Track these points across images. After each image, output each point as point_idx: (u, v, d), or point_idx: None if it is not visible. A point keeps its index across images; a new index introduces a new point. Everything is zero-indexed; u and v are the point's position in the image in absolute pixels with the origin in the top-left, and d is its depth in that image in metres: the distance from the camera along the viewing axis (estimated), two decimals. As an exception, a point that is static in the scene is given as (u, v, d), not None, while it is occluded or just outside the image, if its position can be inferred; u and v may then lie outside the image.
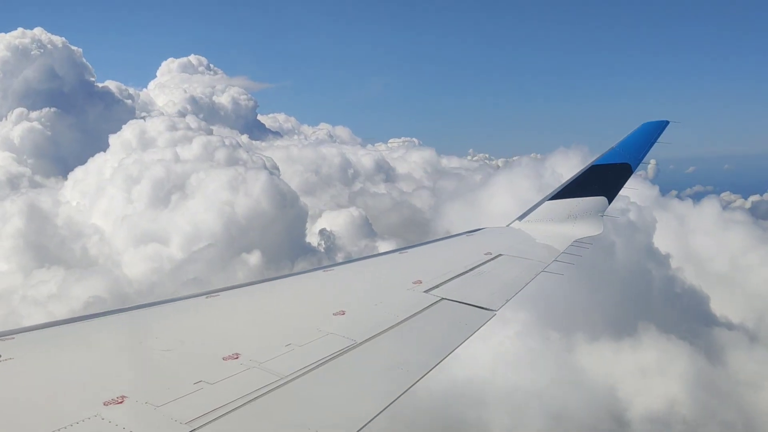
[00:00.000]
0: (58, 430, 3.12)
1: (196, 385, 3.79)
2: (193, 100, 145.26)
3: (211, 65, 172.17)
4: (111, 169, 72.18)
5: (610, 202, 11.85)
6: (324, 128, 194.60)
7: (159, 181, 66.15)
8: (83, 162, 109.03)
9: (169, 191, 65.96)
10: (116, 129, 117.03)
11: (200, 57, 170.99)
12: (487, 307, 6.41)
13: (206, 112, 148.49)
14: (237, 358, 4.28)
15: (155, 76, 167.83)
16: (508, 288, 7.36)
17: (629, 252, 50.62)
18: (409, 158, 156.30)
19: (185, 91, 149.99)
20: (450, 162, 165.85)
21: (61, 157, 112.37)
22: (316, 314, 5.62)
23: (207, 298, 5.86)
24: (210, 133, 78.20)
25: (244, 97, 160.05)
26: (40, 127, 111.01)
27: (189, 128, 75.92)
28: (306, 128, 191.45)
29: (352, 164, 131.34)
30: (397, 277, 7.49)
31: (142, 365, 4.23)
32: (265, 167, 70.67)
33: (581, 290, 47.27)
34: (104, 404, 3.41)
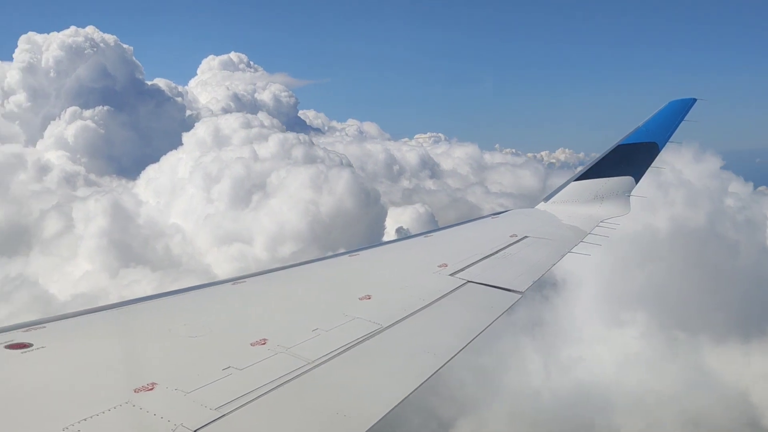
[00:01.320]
0: (90, 417, 3.11)
1: (224, 371, 3.83)
2: (236, 97, 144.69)
3: (251, 62, 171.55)
4: (186, 168, 71.66)
5: (637, 181, 11.68)
6: (353, 124, 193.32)
7: (239, 179, 65.48)
8: (137, 160, 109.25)
9: (250, 190, 65.29)
10: (168, 127, 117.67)
11: (240, 54, 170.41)
12: (514, 289, 6.41)
13: (249, 109, 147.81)
14: (264, 343, 4.30)
15: (195, 74, 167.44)
16: (534, 270, 7.35)
17: (747, 251, 49.10)
18: (453, 154, 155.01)
19: (228, 89, 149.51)
20: (493, 157, 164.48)
21: (114, 156, 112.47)
22: (342, 299, 5.63)
23: (233, 284, 5.90)
24: (283, 130, 77.49)
25: (285, 93, 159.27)
26: (93, 125, 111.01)
27: (263, 125, 75.16)
28: (335, 124, 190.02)
29: (397, 160, 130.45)
30: (422, 260, 7.45)
31: (172, 352, 4.20)
32: (342, 164, 69.77)
33: (702, 289, 45.91)
34: (135, 391, 3.45)
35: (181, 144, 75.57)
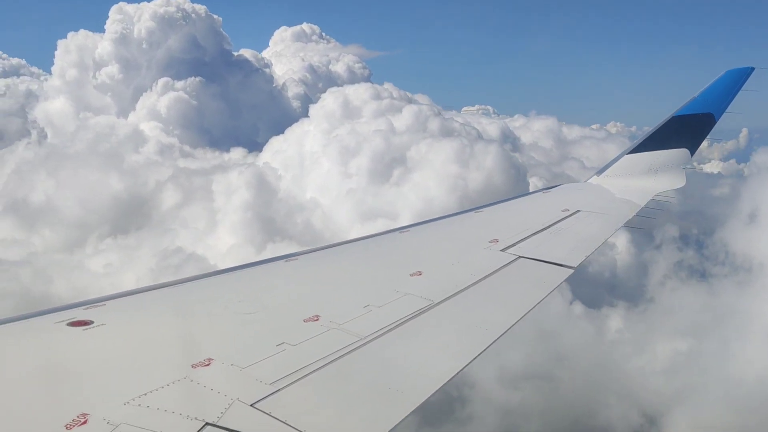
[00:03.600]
0: (150, 391, 3.18)
1: (278, 347, 3.89)
2: (312, 69, 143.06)
3: (324, 34, 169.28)
4: (314, 140, 70.36)
5: (692, 153, 11.53)
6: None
7: (378, 153, 63.94)
8: (228, 132, 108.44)
9: (390, 164, 63.76)
10: (256, 99, 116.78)
11: (312, 25, 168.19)
12: (566, 264, 6.33)
13: (324, 81, 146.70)
14: (317, 320, 4.36)
15: (267, 46, 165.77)
16: (586, 244, 7.26)
17: None
18: (532, 127, 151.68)
19: (303, 60, 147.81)
20: (571, 131, 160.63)
21: (205, 128, 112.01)
22: (393, 275, 5.62)
23: (286, 261, 5.92)
24: (410, 101, 75.52)
25: (359, 65, 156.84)
26: (186, 96, 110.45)
27: (392, 97, 73.29)
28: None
29: (480, 133, 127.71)
30: (473, 236, 7.44)
31: (227, 328, 4.26)
32: (479, 137, 67.74)
33: None
34: (192, 367, 3.49)
35: (272, 115, 73.68)
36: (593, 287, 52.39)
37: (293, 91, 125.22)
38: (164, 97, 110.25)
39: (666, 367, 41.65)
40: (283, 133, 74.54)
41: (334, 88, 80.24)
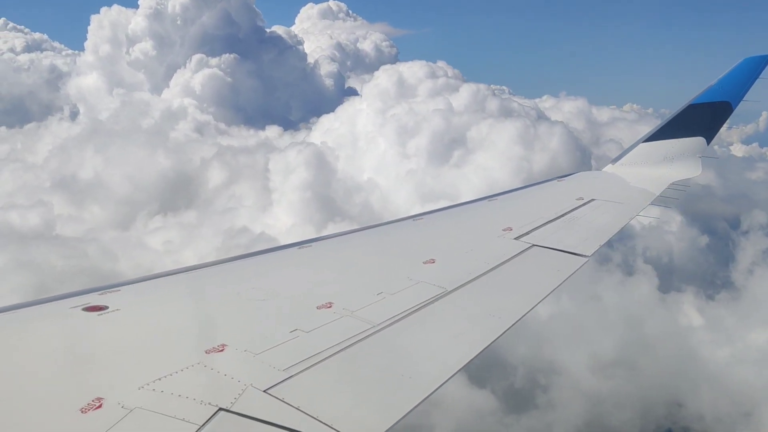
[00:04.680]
0: (164, 376, 3.19)
1: (291, 333, 3.90)
2: (340, 47, 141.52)
3: (350, 11, 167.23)
4: (368, 119, 69.12)
5: (708, 142, 11.48)
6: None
7: (438, 133, 62.72)
8: (261, 110, 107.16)
9: (449, 144, 62.57)
10: (289, 76, 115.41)
11: (339, 3, 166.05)
12: (580, 253, 6.35)
13: (352, 60, 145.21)
14: (330, 307, 4.36)
15: (293, 23, 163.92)
16: (600, 233, 7.25)
17: None
18: (562, 108, 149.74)
19: (331, 37, 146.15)
20: (601, 113, 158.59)
21: (240, 106, 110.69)
22: (406, 263, 5.63)
23: (299, 249, 5.95)
24: (463, 80, 74.08)
25: (386, 44, 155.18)
26: (220, 73, 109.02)
27: (447, 75, 71.79)
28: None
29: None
30: (487, 224, 7.45)
31: (241, 315, 4.28)
32: (539, 117, 66.33)
33: None
34: (206, 352, 3.51)
35: (305, 93, 71.85)
36: (674, 275, 51.46)
37: (326, 69, 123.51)
38: (199, 74, 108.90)
39: (758, 357, 40.74)
40: (332, 111, 73.53)
41: (387, 66, 78.87)
